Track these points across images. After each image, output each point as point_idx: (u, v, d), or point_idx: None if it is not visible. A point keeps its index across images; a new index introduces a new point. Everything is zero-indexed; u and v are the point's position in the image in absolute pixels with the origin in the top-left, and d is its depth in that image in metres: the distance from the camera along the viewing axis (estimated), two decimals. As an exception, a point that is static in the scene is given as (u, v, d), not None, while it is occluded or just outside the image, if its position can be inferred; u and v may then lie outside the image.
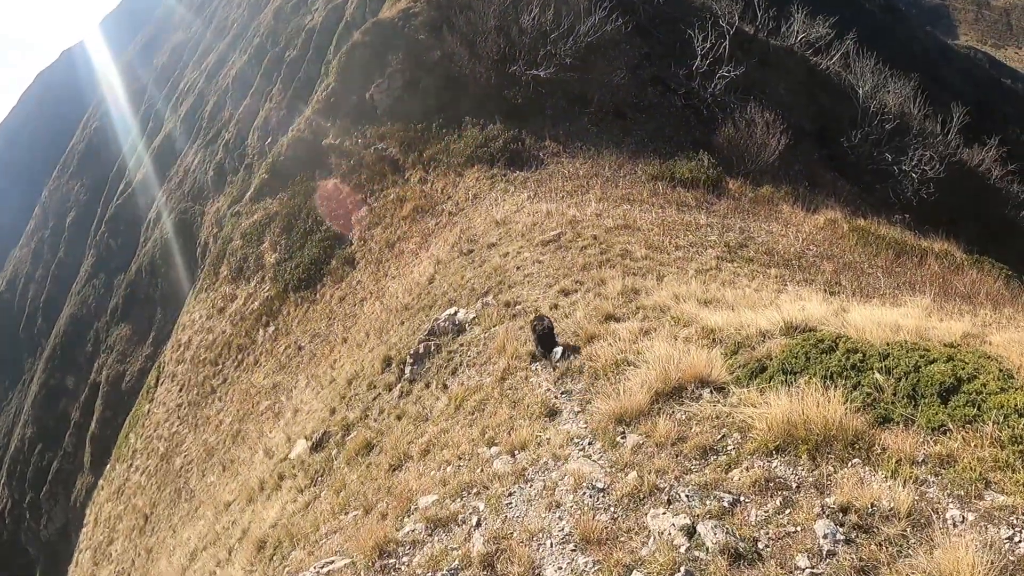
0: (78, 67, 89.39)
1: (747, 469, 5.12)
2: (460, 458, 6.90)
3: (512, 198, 18.33)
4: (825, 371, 6.13)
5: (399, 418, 9.87)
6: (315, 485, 10.59)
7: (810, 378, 6.01)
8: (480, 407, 7.98)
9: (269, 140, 38.07)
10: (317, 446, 11.85)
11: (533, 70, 23.06)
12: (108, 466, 30.27)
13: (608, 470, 5.56)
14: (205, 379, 23.69)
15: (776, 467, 5.10)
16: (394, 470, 8.07)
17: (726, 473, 5.16)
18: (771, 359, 6.60)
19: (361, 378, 13.00)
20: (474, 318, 10.62)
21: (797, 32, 33.59)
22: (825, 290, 12.45)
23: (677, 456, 5.47)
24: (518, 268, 12.44)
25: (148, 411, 27.36)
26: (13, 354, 65.45)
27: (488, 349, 9.39)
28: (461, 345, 10.10)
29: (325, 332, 19.19)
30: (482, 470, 6.28)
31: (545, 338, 8.07)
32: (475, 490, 5.97)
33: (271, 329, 21.91)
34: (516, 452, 6.38)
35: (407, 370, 10.57)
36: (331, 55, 32.90)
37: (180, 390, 25.23)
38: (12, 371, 64.93)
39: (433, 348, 10.32)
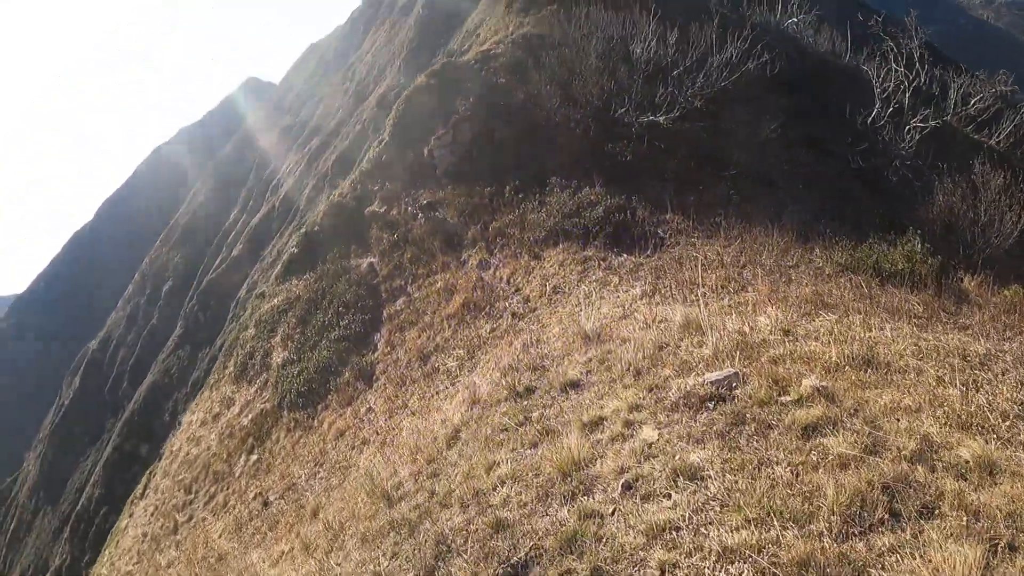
0: (192, 144, 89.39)
1: None
2: None
3: (615, 295, 10.21)
4: None
5: None
6: None
7: None
8: None
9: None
10: None
11: (648, 116, 15.24)
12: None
13: None
14: (174, 508, 16.15)
15: None
16: None
17: None
18: None
19: None
20: None
21: (956, 99, 22.86)
22: None
23: None
24: (629, 490, 4.13)
25: (125, 527, 19.96)
26: (97, 413, 63.04)
27: None
28: None
29: (303, 486, 11.29)
30: None
31: None
32: None
33: (253, 458, 14.22)
34: None
35: None
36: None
37: (153, 512, 17.78)
38: (94, 429, 62.26)
39: None
